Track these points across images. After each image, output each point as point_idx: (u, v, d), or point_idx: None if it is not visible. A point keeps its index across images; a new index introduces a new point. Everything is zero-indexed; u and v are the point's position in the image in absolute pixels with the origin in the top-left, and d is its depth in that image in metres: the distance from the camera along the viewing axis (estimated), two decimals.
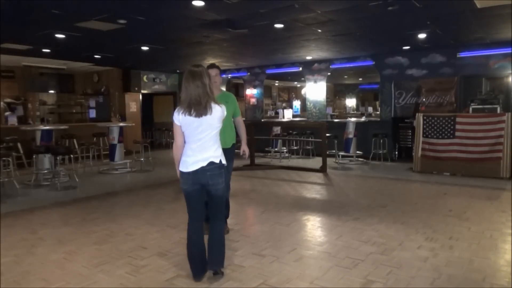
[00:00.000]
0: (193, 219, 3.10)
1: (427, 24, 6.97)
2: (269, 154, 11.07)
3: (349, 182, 7.45)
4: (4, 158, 6.76)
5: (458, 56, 9.22)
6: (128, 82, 12.94)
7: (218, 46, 8.85)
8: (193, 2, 5.39)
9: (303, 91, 16.71)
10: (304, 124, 11.64)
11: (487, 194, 6.11)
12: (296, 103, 17.04)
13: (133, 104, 13.28)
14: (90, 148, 9.55)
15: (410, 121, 9.25)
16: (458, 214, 4.95)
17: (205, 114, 2.90)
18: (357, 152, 9.72)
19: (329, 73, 11.46)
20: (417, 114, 8.35)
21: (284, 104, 17.74)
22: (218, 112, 2.96)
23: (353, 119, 10.13)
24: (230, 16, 6.21)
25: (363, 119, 11.24)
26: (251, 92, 12.94)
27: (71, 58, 10.58)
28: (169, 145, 13.61)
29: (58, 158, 7.23)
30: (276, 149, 10.96)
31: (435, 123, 7.94)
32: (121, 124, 9.20)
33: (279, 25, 6.82)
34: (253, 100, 12.97)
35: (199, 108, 2.88)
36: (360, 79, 16.74)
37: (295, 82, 18.42)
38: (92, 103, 13.35)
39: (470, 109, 8.10)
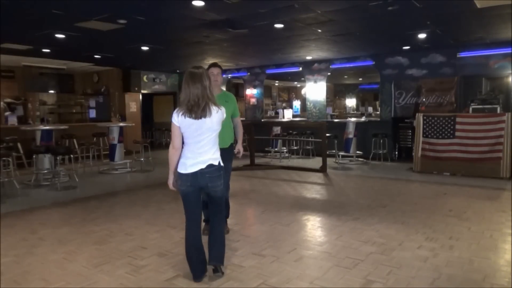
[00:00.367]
0: (191, 221, 3.09)
1: (427, 24, 6.97)
2: (269, 154, 11.07)
3: (349, 182, 7.45)
4: (4, 158, 6.76)
5: (458, 56, 9.22)
6: (128, 82, 12.94)
7: (218, 46, 8.85)
8: (193, 2, 5.39)
9: (303, 91, 16.70)
10: (304, 124, 11.65)
11: (487, 194, 6.11)
12: (296, 103, 17.05)
13: (133, 104, 13.28)
14: (90, 148, 9.55)
15: (410, 121, 9.25)
16: (458, 214, 4.95)
17: (205, 116, 2.89)
18: (357, 152, 9.72)
19: (329, 73, 11.46)
20: (417, 114, 8.35)
21: (284, 104, 17.74)
22: (217, 114, 2.96)
23: (353, 119, 10.14)
24: (230, 16, 6.21)
25: (363, 119, 11.24)
26: (251, 92, 12.94)
27: (71, 58, 10.58)
28: (168, 145, 13.57)
29: (58, 158, 7.23)
30: (276, 149, 10.96)
31: (435, 123, 7.94)
32: (121, 124, 9.20)
33: (279, 25, 6.82)
34: (253, 100, 12.97)
35: (199, 110, 2.87)
36: (360, 79, 16.74)
37: (295, 82, 18.42)
38: (92, 103, 13.35)
39: (470, 109, 8.10)
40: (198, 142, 2.95)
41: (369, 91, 18.45)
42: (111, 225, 4.70)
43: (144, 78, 13.36)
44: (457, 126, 7.71)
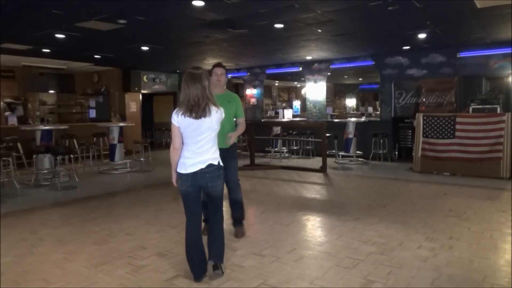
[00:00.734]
0: (191, 221, 3.10)
1: (427, 24, 6.97)
2: (269, 154, 11.07)
3: (349, 182, 7.45)
4: (4, 158, 6.76)
5: (458, 56, 9.23)
6: (128, 82, 12.94)
7: (218, 46, 8.85)
8: (193, 2, 5.39)
9: (303, 91, 16.71)
10: (304, 124, 11.64)
11: (487, 194, 6.11)
12: (296, 103, 17.05)
13: (133, 104, 13.28)
14: (90, 148, 9.55)
15: (410, 121, 9.25)
16: (458, 214, 4.95)
17: (204, 116, 2.91)
18: (357, 152, 9.72)
19: (329, 73, 11.46)
20: (417, 114, 8.35)
21: (284, 104, 17.73)
22: (217, 114, 2.98)
23: (353, 119, 10.13)
24: (230, 16, 6.21)
25: (363, 119, 11.23)
26: (251, 92, 12.94)
27: (71, 58, 10.58)
28: (169, 145, 13.56)
29: (58, 158, 7.23)
30: (276, 149, 10.96)
31: (435, 123, 7.94)
32: (121, 124, 9.20)
33: (279, 25, 6.82)
34: (253, 100, 12.97)
35: (198, 110, 2.90)
36: (360, 79, 16.74)
37: (295, 82, 18.43)
38: (92, 103, 13.34)
39: (470, 109, 8.10)
40: (198, 142, 2.97)
41: (369, 91, 18.46)
42: (111, 225, 4.70)
43: (144, 78, 13.36)
44: (457, 126, 7.71)
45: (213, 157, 3.03)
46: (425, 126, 8.07)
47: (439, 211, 5.11)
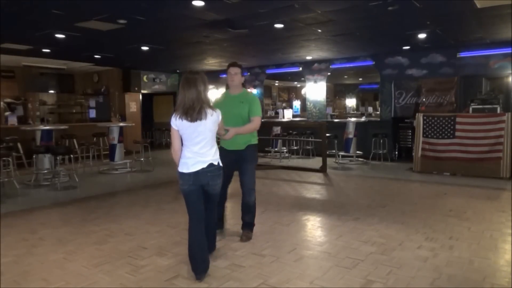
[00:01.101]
0: (194, 220, 3.15)
1: (427, 24, 6.97)
2: (269, 154, 11.06)
3: (349, 182, 7.45)
4: (4, 158, 6.76)
5: (458, 56, 9.23)
6: (128, 82, 12.94)
7: (218, 46, 8.86)
8: (193, 2, 5.39)
9: (303, 91, 16.69)
10: (304, 124, 11.64)
11: (487, 194, 6.11)
12: (296, 103, 17.03)
13: (133, 104, 13.28)
14: (90, 148, 9.55)
15: (410, 121, 9.25)
16: (458, 214, 4.95)
17: (200, 119, 3.03)
18: (357, 152, 9.72)
19: (329, 73, 11.47)
20: (417, 114, 8.35)
21: (284, 104, 17.72)
22: (212, 117, 3.09)
23: (353, 119, 10.13)
24: (230, 16, 6.21)
25: (363, 119, 11.23)
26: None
27: (71, 58, 10.58)
28: (169, 145, 13.55)
29: (58, 158, 7.23)
30: (276, 149, 10.96)
31: (435, 123, 7.94)
32: (121, 124, 9.20)
33: (279, 25, 6.82)
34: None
35: (193, 113, 3.01)
36: (360, 79, 16.72)
37: (295, 82, 18.41)
38: (92, 103, 13.35)
39: (470, 109, 8.10)
40: (197, 143, 3.08)
41: (369, 91, 18.43)
42: (111, 225, 4.70)
43: (144, 78, 13.36)
44: (457, 126, 7.71)
45: (214, 158, 3.14)
46: (425, 126, 8.07)
47: (439, 211, 5.11)
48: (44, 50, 8.99)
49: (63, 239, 4.19)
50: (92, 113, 13.28)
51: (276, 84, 18.58)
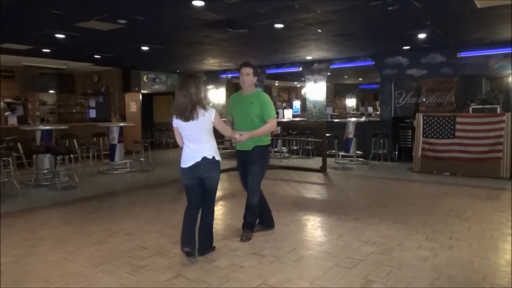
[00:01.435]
0: (190, 205, 3.52)
1: (427, 24, 6.97)
2: (269, 154, 11.04)
3: (349, 182, 7.45)
4: (4, 158, 6.76)
5: (458, 56, 9.23)
6: (128, 82, 12.94)
7: (218, 46, 8.85)
8: (193, 2, 5.39)
9: (303, 91, 16.71)
10: (304, 124, 11.64)
11: (487, 194, 6.11)
12: (296, 103, 17.03)
13: (133, 104, 13.29)
14: (90, 148, 9.55)
15: (410, 121, 9.25)
16: (458, 214, 4.95)
17: (192, 118, 3.29)
18: (357, 152, 9.72)
19: (329, 73, 11.46)
20: (417, 114, 8.35)
21: (284, 104, 17.73)
22: (204, 117, 3.32)
23: (353, 119, 10.13)
24: (230, 16, 6.21)
25: (363, 119, 11.24)
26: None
27: (71, 58, 10.58)
28: (169, 145, 13.63)
29: (58, 158, 7.23)
30: (276, 149, 10.96)
31: (435, 123, 7.94)
32: (121, 124, 9.20)
33: (279, 25, 6.82)
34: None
35: (185, 113, 3.28)
36: (360, 79, 16.74)
37: (295, 82, 18.43)
38: (92, 103, 13.34)
39: (470, 109, 8.10)
40: (193, 141, 3.38)
41: (369, 91, 18.46)
42: (111, 225, 4.70)
43: (144, 78, 13.36)
44: (457, 126, 7.71)
45: (208, 152, 3.39)
46: (425, 126, 8.07)
47: (439, 211, 5.11)
48: (44, 50, 8.99)
49: (63, 239, 4.19)
50: (92, 113, 13.28)
51: (276, 84, 18.59)
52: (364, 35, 7.86)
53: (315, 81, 11.60)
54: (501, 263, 3.41)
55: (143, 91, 13.41)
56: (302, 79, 12.45)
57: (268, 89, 17.53)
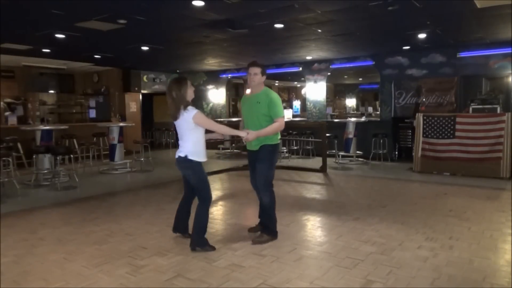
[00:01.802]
0: (183, 195, 4.06)
1: (427, 24, 6.97)
2: None
3: (349, 182, 7.45)
4: (4, 158, 6.76)
5: (458, 56, 9.23)
6: (128, 82, 12.94)
7: (218, 46, 8.85)
8: (193, 2, 5.39)
9: (303, 91, 16.71)
10: (304, 124, 11.63)
11: (487, 194, 6.11)
12: (296, 103, 17.05)
13: (133, 104, 13.28)
14: (90, 148, 9.55)
15: (410, 121, 9.25)
16: (458, 214, 4.95)
17: (176, 118, 3.65)
18: (357, 152, 9.72)
19: (329, 73, 11.46)
20: (417, 114, 8.35)
21: (284, 104, 17.71)
22: (184, 116, 3.61)
23: (353, 119, 10.13)
24: (230, 16, 6.21)
25: (363, 119, 11.23)
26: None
27: (71, 58, 10.58)
28: (169, 145, 13.63)
29: (58, 158, 7.23)
30: None
31: (435, 123, 7.94)
32: (121, 124, 9.20)
33: (279, 25, 6.82)
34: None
35: (173, 114, 3.66)
36: (360, 79, 16.74)
37: (295, 82, 18.43)
38: (92, 103, 13.35)
39: (470, 109, 8.10)
40: (180, 138, 3.75)
41: (369, 91, 18.46)
42: (111, 225, 4.70)
43: (144, 78, 13.36)
44: (457, 126, 7.71)
45: (183, 150, 3.69)
46: (425, 126, 8.07)
47: (439, 211, 5.11)
48: (44, 50, 8.99)
49: (63, 239, 4.19)
50: (92, 113, 13.28)
51: (276, 84, 18.59)
52: (364, 35, 7.86)
53: (315, 81, 11.60)
54: (501, 263, 3.41)
55: (143, 91, 13.41)
56: (302, 79, 12.45)
57: None
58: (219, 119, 13.05)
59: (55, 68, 12.20)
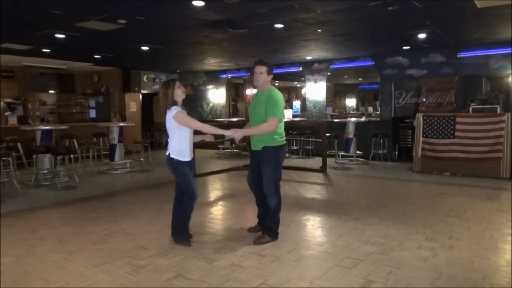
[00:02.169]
0: (175, 196, 4.06)
1: (427, 24, 6.97)
2: None
3: (349, 182, 7.45)
4: (4, 158, 6.76)
5: (458, 56, 9.22)
6: (128, 82, 12.94)
7: (218, 46, 8.85)
8: (193, 2, 5.39)
9: (303, 91, 16.70)
10: (304, 124, 11.63)
11: (487, 194, 6.11)
12: (296, 103, 17.04)
13: (133, 104, 13.28)
14: (90, 148, 9.55)
15: (410, 121, 9.25)
16: (458, 214, 4.95)
17: (164, 117, 3.79)
18: (357, 152, 9.72)
19: (329, 73, 11.46)
20: (417, 114, 8.35)
21: (284, 104, 17.71)
22: (167, 115, 3.75)
23: (353, 119, 10.13)
24: (230, 16, 6.21)
25: (363, 119, 11.23)
26: (251, 92, 12.93)
27: (71, 58, 10.58)
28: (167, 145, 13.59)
29: (58, 158, 7.22)
30: None
31: (435, 123, 7.94)
32: (121, 124, 9.20)
33: (279, 25, 6.82)
34: (251, 101, 12.94)
35: (161, 113, 3.84)
36: (360, 79, 16.74)
37: (295, 82, 18.42)
38: (92, 103, 13.34)
39: (470, 109, 8.10)
40: (168, 137, 3.89)
41: (369, 91, 18.45)
42: (111, 225, 4.70)
43: (144, 78, 13.36)
44: (457, 126, 7.71)
45: (168, 149, 3.85)
46: (425, 126, 8.07)
47: (439, 211, 5.11)
48: (44, 50, 8.99)
49: (63, 239, 4.19)
50: (92, 113, 13.28)
51: (276, 84, 18.54)
52: (364, 35, 7.86)
53: (315, 81, 11.60)
54: (501, 263, 3.41)
55: (143, 91, 13.41)
56: (302, 79, 12.44)
57: None
58: (219, 119, 13.07)
59: (55, 68, 12.20)
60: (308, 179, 7.70)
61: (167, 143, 3.93)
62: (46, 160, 7.52)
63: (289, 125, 11.38)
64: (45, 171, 7.52)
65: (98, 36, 7.37)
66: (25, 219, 5.09)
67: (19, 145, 8.81)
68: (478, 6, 5.75)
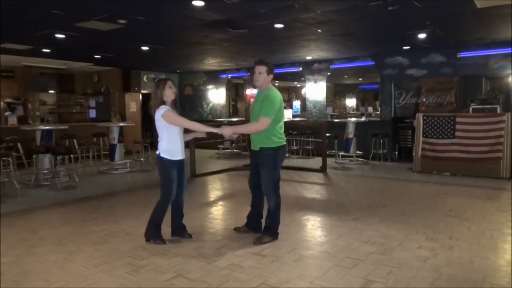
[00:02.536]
0: None
1: (427, 24, 6.97)
2: None
3: (349, 182, 7.45)
4: (4, 158, 6.76)
5: (458, 56, 9.22)
6: (128, 82, 12.93)
7: (218, 46, 8.85)
8: (193, 2, 5.39)
9: (303, 91, 16.70)
10: (304, 124, 11.63)
11: (487, 194, 6.11)
12: (296, 103, 17.04)
13: (133, 104, 13.28)
14: (90, 148, 9.55)
15: (410, 121, 9.25)
16: (458, 214, 4.95)
17: (154, 116, 3.82)
18: (357, 152, 9.71)
19: (329, 73, 11.46)
20: (417, 114, 8.35)
21: (284, 104, 17.70)
22: (156, 114, 3.78)
23: (353, 119, 10.13)
24: (230, 16, 6.21)
25: (363, 119, 11.23)
26: (251, 92, 12.93)
27: (71, 58, 10.57)
28: None
29: (58, 158, 7.22)
30: None
31: (435, 123, 7.94)
32: (121, 124, 9.19)
33: (279, 25, 6.82)
34: (253, 100, 12.94)
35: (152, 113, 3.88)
36: (360, 79, 16.73)
37: (295, 82, 18.42)
38: (92, 103, 13.34)
39: (470, 109, 8.10)
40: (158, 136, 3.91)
41: (369, 91, 18.45)
42: (111, 225, 4.70)
43: (144, 78, 13.36)
44: (457, 126, 7.71)
45: (158, 148, 3.89)
46: (425, 126, 8.07)
47: (439, 211, 5.11)
48: (44, 50, 8.99)
49: (63, 239, 4.19)
50: (92, 113, 13.28)
51: (276, 84, 18.54)
52: (364, 35, 7.86)
53: (315, 81, 11.60)
54: (501, 263, 3.41)
55: (143, 91, 13.40)
56: (302, 79, 12.44)
57: None
58: (219, 119, 13.06)
59: (55, 68, 12.19)
60: (308, 179, 7.70)
61: (157, 142, 3.91)
62: (46, 160, 7.52)
63: (289, 125, 11.41)
64: (45, 171, 7.52)
65: (98, 36, 7.37)
66: (25, 219, 5.09)
67: (19, 145, 8.81)
68: (478, 6, 5.75)
